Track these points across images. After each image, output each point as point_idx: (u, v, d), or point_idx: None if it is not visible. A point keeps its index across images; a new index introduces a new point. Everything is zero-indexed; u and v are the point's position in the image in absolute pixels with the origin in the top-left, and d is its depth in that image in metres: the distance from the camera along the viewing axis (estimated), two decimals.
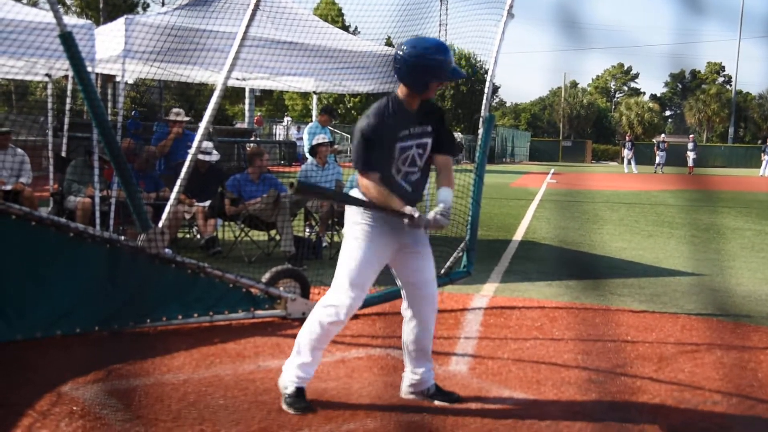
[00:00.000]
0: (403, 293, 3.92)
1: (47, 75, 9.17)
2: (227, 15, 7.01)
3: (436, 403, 3.88)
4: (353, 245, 3.72)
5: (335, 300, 3.71)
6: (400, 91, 3.71)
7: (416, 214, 3.58)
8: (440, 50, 3.65)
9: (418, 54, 3.61)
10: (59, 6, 4.83)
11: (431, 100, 3.85)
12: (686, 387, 4.30)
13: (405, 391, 3.96)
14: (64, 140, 9.62)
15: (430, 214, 3.66)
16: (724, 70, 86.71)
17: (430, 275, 3.90)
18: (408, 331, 3.88)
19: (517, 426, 3.62)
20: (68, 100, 9.58)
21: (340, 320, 3.71)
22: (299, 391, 3.73)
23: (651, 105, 74.91)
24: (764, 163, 35.53)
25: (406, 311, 3.90)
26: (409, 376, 3.94)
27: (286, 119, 38.65)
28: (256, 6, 4.93)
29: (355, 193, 3.76)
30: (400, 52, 3.64)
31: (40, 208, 7.51)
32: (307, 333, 3.76)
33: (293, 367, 3.76)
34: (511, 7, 6.09)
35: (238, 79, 9.88)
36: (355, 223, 3.75)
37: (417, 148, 3.73)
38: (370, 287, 3.85)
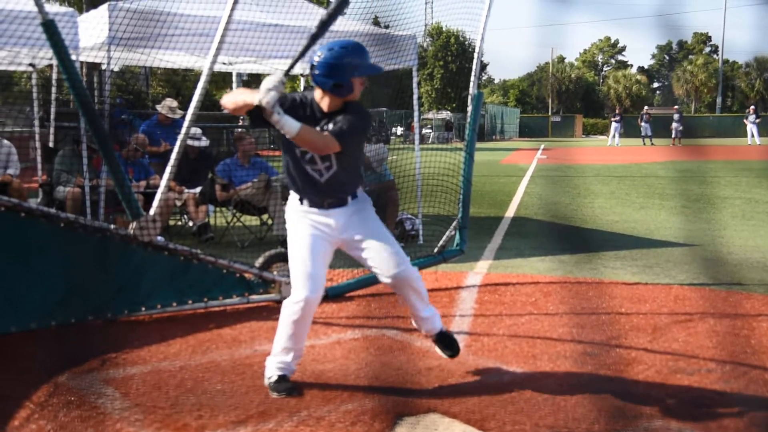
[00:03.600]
0: (378, 276, 3.97)
1: (31, 65, 9.05)
2: None
3: (437, 350, 4.09)
4: (292, 240, 3.81)
5: (295, 297, 3.75)
6: (317, 94, 3.71)
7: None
8: (353, 48, 3.70)
9: (330, 56, 3.61)
10: None
11: (356, 105, 3.78)
12: (680, 356, 4.33)
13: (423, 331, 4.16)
14: (51, 130, 9.53)
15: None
16: (710, 40, 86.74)
17: (392, 263, 3.84)
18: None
19: (515, 400, 3.64)
20: (53, 89, 9.48)
21: (302, 316, 3.72)
22: (282, 378, 3.76)
23: (639, 77, 74.91)
24: (749, 131, 35.59)
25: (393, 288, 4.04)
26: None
27: None
28: None
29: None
30: (317, 58, 3.62)
31: (29, 200, 7.46)
32: (281, 334, 3.80)
33: (273, 362, 3.81)
34: None
35: (224, 63, 9.79)
36: (289, 222, 3.86)
37: None
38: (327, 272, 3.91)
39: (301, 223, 3.81)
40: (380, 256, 3.86)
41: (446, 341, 4.09)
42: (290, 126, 3.50)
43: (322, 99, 3.72)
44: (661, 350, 4.45)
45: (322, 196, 3.78)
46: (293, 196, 3.87)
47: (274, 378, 3.75)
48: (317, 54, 3.66)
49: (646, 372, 4.07)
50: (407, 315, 5.11)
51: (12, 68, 9.53)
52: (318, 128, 3.65)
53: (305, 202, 3.80)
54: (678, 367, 4.15)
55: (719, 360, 4.27)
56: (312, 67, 3.66)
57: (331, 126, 3.64)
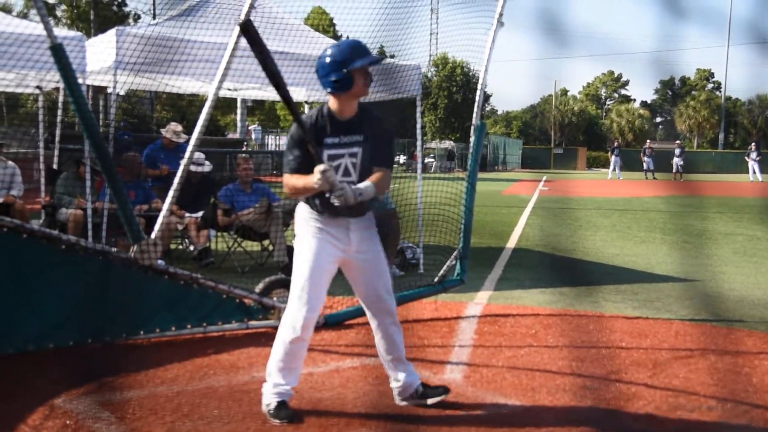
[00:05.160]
0: (363, 306, 3.97)
1: (38, 87, 9.14)
2: (218, 25, 7.02)
3: (429, 401, 3.91)
4: (299, 258, 3.77)
5: (289, 316, 3.74)
6: (330, 101, 3.80)
7: (324, 169, 3.56)
8: (349, 43, 3.83)
9: (328, 53, 3.74)
10: (49, 18, 4.81)
11: (368, 108, 3.91)
12: (681, 392, 4.30)
13: (398, 401, 3.97)
14: (56, 152, 9.59)
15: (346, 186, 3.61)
16: (713, 77, 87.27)
17: (384, 287, 3.89)
18: (377, 342, 3.94)
19: None
20: (59, 112, 9.55)
21: (299, 336, 3.70)
22: (281, 404, 3.72)
23: (641, 112, 75.27)
24: (750, 167, 35.64)
25: (371, 322, 3.94)
26: (394, 384, 3.96)
27: (254, 126, 39.08)
28: (247, 16, 4.93)
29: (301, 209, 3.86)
30: (318, 60, 3.77)
31: (31, 221, 7.47)
32: (273, 356, 3.77)
33: (269, 388, 3.77)
34: (501, 15, 6.11)
35: (229, 89, 9.87)
36: (298, 234, 3.83)
37: (350, 157, 3.77)
38: (326, 297, 3.88)
39: (315, 237, 3.76)
40: (380, 279, 3.89)
41: (431, 389, 3.98)
42: (368, 191, 3.64)
43: (336, 106, 3.78)
44: (661, 386, 4.42)
45: (348, 206, 3.71)
46: (309, 209, 3.79)
47: (274, 405, 3.71)
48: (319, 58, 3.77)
49: (646, 408, 4.04)
50: (407, 345, 5.10)
51: (19, 90, 9.61)
52: (337, 139, 3.72)
53: (327, 213, 3.76)
54: (678, 404, 4.11)
55: (720, 397, 4.24)
56: (316, 72, 3.76)
57: (360, 147, 3.74)
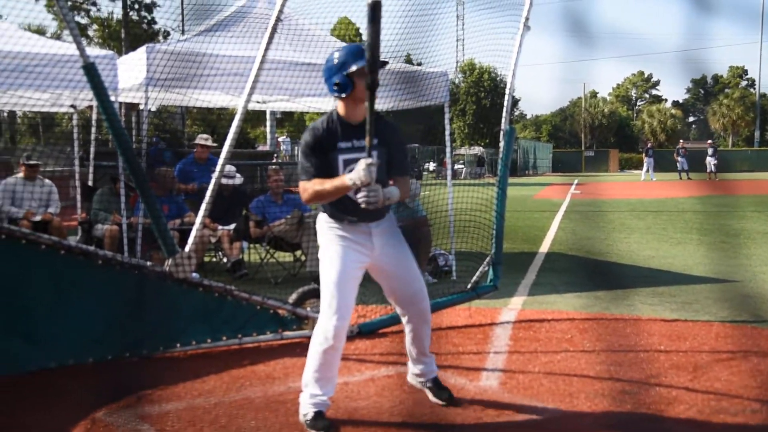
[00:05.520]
0: (395, 306, 4.04)
1: (72, 106, 9.32)
2: (246, 39, 7.09)
3: (430, 397, 4.09)
4: (325, 268, 3.80)
5: (320, 326, 3.76)
6: (338, 106, 3.83)
7: (371, 162, 3.52)
8: (350, 47, 3.84)
9: (331, 57, 3.80)
10: (82, 38, 4.90)
11: (380, 114, 3.90)
12: (723, 396, 4.22)
13: (409, 378, 4.26)
14: (91, 169, 9.75)
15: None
16: (747, 74, 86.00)
17: (417, 285, 3.96)
18: (406, 335, 4.08)
19: None
20: (93, 129, 9.72)
21: (331, 345, 3.71)
22: (318, 414, 3.73)
23: (673, 111, 74.30)
24: None
25: (403, 319, 4.05)
26: (410, 367, 4.21)
27: (283, 138, 39.17)
28: (274, 29, 4.98)
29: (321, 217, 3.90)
30: (324, 65, 3.84)
31: (68, 237, 7.60)
32: (308, 367, 3.80)
33: (306, 398, 3.79)
34: (527, 19, 6.08)
35: (258, 102, 9.96)
36: (321, 244, 3.88)
37: None
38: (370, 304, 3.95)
39: (338, 245, 3.79)
40: (410, 278, 3.95)
41: (441, 385, 4.14)
42: (394, 196, 3.67)
43: (343, 111, 3.81)
44: (702, 389, 4.34)
45: (366, 211, 3.69)
46: (328, 217, 3.84)
47: (311, 415, 3.72)
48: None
49: (687, 412, 3.97)
50: (441, 352, 5.08)
51: (54, 110, 9.80)
52: (350, 143, 3.74)
53: (346, 221, 3.79)
54: (721, 407, 4.03)
55: (764, 400, 4.15)
56: (325, 81, 3.84)
57: (375, 151, 3.69)
